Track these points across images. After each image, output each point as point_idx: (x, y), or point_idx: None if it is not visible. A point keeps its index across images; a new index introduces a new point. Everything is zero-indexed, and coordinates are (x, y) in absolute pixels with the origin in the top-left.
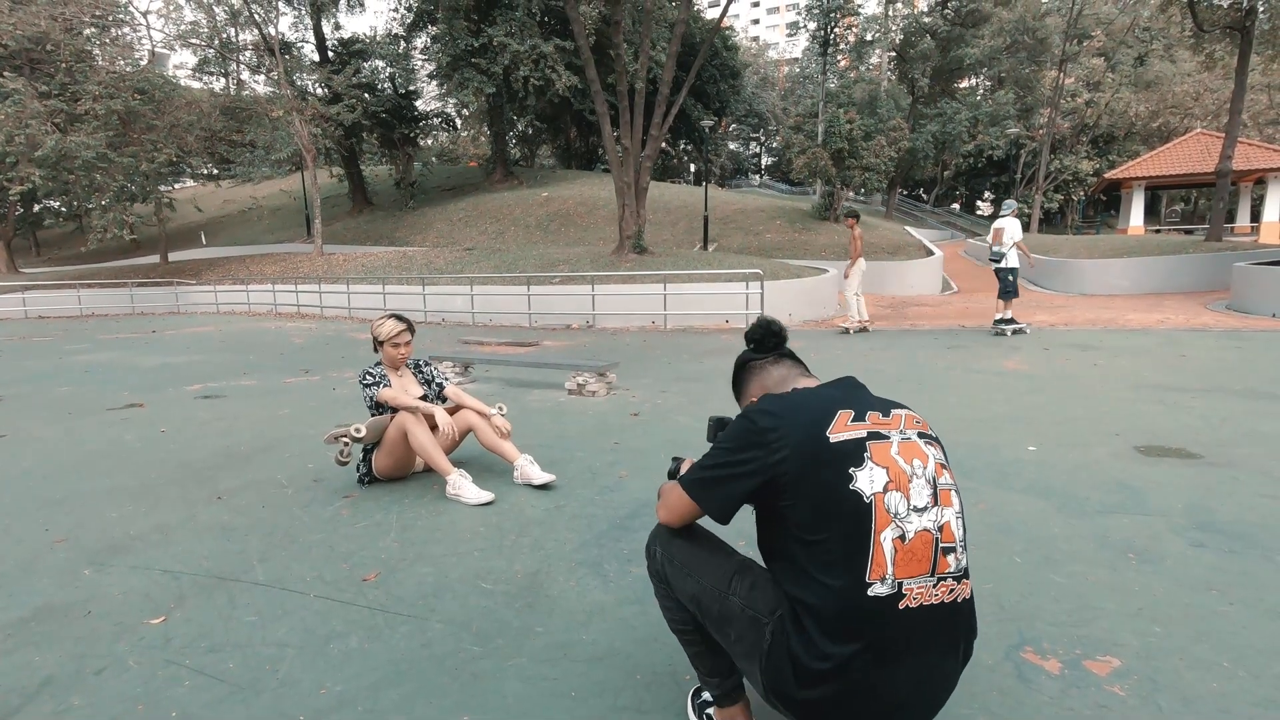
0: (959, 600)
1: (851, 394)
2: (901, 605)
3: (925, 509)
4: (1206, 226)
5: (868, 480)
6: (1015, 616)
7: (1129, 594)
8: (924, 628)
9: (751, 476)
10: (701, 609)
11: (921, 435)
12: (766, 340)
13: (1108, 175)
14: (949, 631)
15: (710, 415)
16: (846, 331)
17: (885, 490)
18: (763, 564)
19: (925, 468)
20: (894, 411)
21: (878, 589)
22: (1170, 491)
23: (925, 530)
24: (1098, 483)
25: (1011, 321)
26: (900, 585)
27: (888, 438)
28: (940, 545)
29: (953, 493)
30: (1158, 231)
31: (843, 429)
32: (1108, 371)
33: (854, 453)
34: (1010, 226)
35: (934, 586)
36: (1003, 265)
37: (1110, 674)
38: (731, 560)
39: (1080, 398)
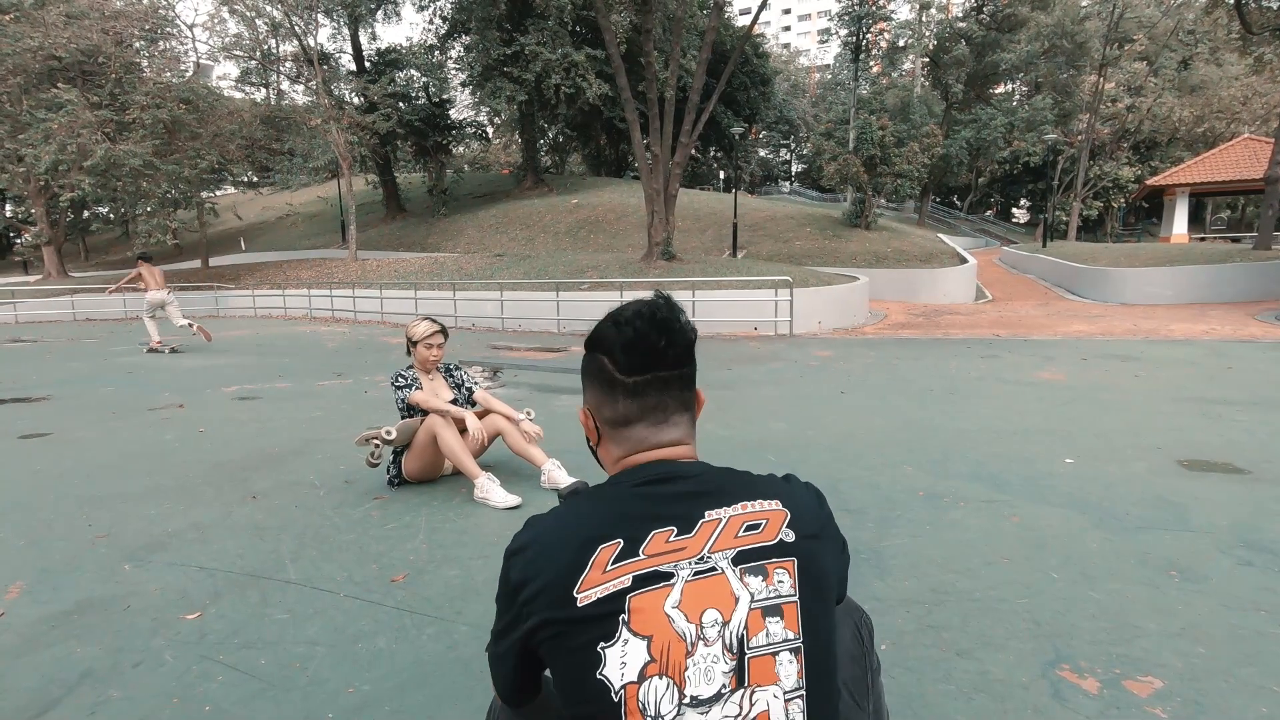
0: None
1: (640, 503)
2: None
3: (712, 700)
4: (1254, 235)
5: (618, 663)
6: (1051, 633)
7: (1171, 613)
8: None
9: (511, 655)
10: None
11: (746, 555)
12: (636, 353)
13: (1150, 182)
14: None
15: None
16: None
17: (642, 677)
18: None
19: (726, 624)
20: (707, 517)
21: None
22: (1215, 507)
23: None
24: (1138, 497)
25: None
26: None
27: (669, 578)
28: None
29: (786, 657)
30: (1202, 239)
31: (597, 579)
32: (1149, 383)
33: (607, 618)
34: None
35: None
36: None
37: (1151, 695)
38: None
39: (1120, 410)
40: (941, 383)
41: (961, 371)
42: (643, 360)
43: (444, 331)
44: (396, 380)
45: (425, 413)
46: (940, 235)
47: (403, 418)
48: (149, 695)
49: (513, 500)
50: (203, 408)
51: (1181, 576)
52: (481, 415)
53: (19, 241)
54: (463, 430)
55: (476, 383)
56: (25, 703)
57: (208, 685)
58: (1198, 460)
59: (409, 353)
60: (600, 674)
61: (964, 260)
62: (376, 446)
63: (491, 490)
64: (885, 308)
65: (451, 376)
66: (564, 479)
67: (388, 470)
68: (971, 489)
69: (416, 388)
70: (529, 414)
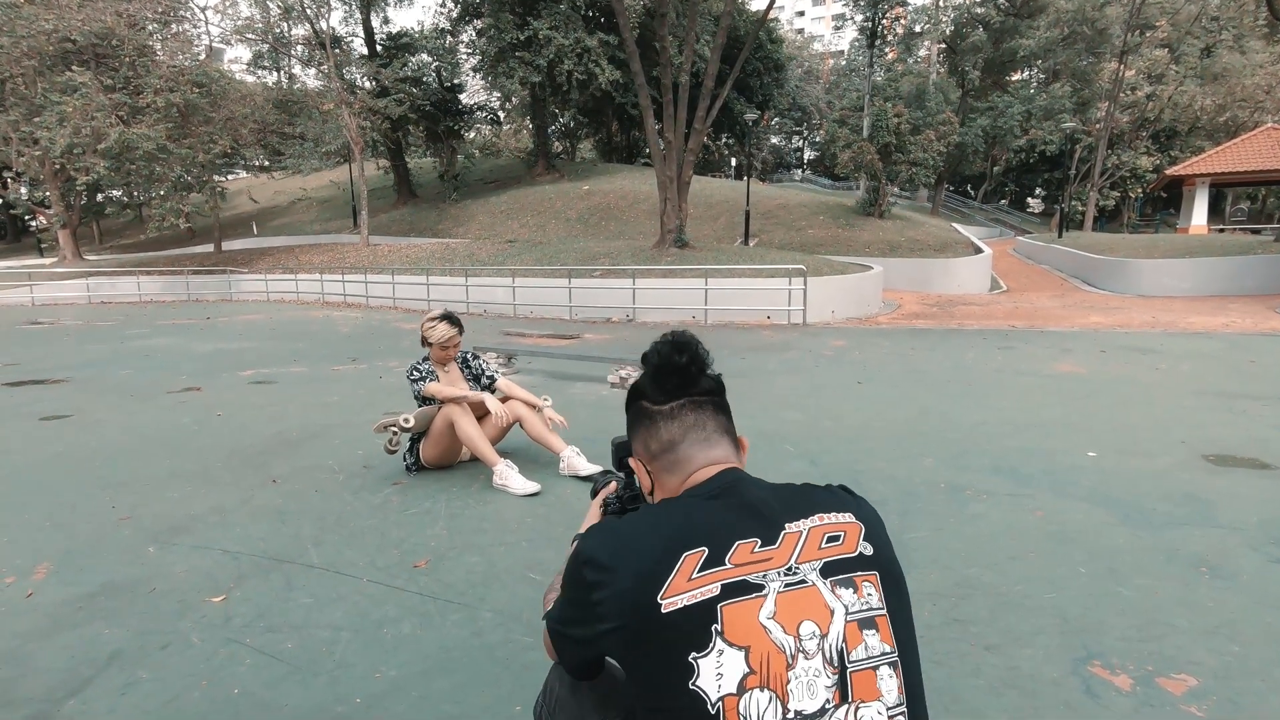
0: None
1: (719, 513)
2: None
3: (817, 715)
4: (1276, 226)
5: (713, 674)
6: (1080, 629)
7: (1202, 610)
8: None
9: (585, 646)
10: None
11: (833, 567)
12: (665, 376)
13: (1169, 172)
14: None
15: (614, 438)
16: None
17: (741, 690)
18: None
19: (824, 636)
20: (788, 529)
21: None
22: (1243, 503)
23: None
24: (1163, 493)
25: None
26: None
27: (760, 589)
28: None
29: (886, 671)
30: (1222, 231)
31: (683, 586)
32: (1170, 376)
33: (697, 627)
34: None
35: None
36: None
37: (1186, 693)
38: None
39: (1141, 403)
40: (958, 374)
41: (978, 363)
42: (671, 382)
43: (460, 328)
44: (412, 373)
45: (443, 401)
46: (954, 224)
47: (420, 405)
48: (178, 677)
49: (532, 487)
50: (219, 391)
51: (1211, 573)
52: (501, 401)
53: (34, 224)
54: (484, 415)
55: (496, 371)
56: (58, 682)
57: (236, 668)
58: (1223, 455)
59: (424, 344)
60: (694, 684)
61: (979, 250)
62: (395, 434)
63: (510, 477)
64: (899, 297)
65: (469, 367)
66: (584, 466)
67: (405, 457)
68: (993, 482)
69: (432, 379)
70: (546, 400)
